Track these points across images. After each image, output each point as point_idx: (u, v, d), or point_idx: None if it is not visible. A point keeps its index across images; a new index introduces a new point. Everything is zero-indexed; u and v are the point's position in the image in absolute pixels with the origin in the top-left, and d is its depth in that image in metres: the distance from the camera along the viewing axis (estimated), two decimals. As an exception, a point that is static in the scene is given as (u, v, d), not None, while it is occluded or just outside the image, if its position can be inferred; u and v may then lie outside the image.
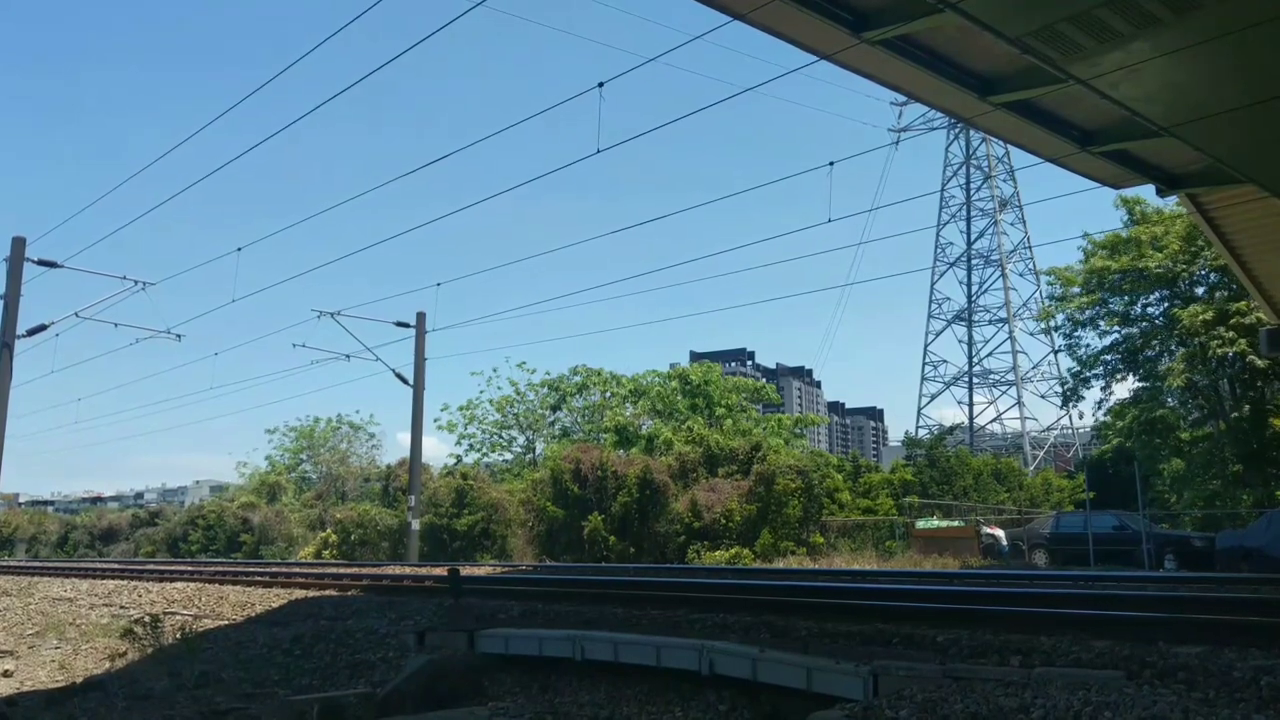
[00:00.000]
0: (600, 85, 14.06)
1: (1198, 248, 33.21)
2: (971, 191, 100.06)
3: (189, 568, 30.16)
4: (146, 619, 15.41)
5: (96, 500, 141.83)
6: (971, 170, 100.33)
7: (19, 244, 29.73)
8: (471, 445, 56.39)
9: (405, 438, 36.75)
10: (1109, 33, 9.97)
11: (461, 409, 56.21)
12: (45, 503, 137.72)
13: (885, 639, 8.97)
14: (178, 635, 14.67)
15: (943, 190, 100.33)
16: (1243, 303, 31.60)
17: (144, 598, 21.03)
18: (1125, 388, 39.46)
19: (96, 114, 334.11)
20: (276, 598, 18.24)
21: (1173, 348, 35.36)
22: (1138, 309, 37.35)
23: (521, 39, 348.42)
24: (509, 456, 57.58)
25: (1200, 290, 35.38)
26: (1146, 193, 33.96)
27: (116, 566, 33.63)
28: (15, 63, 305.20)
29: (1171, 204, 32.42)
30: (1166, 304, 36.23)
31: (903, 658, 7.89)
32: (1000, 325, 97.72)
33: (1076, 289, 38.48)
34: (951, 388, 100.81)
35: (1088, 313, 38.10)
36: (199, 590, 20.85)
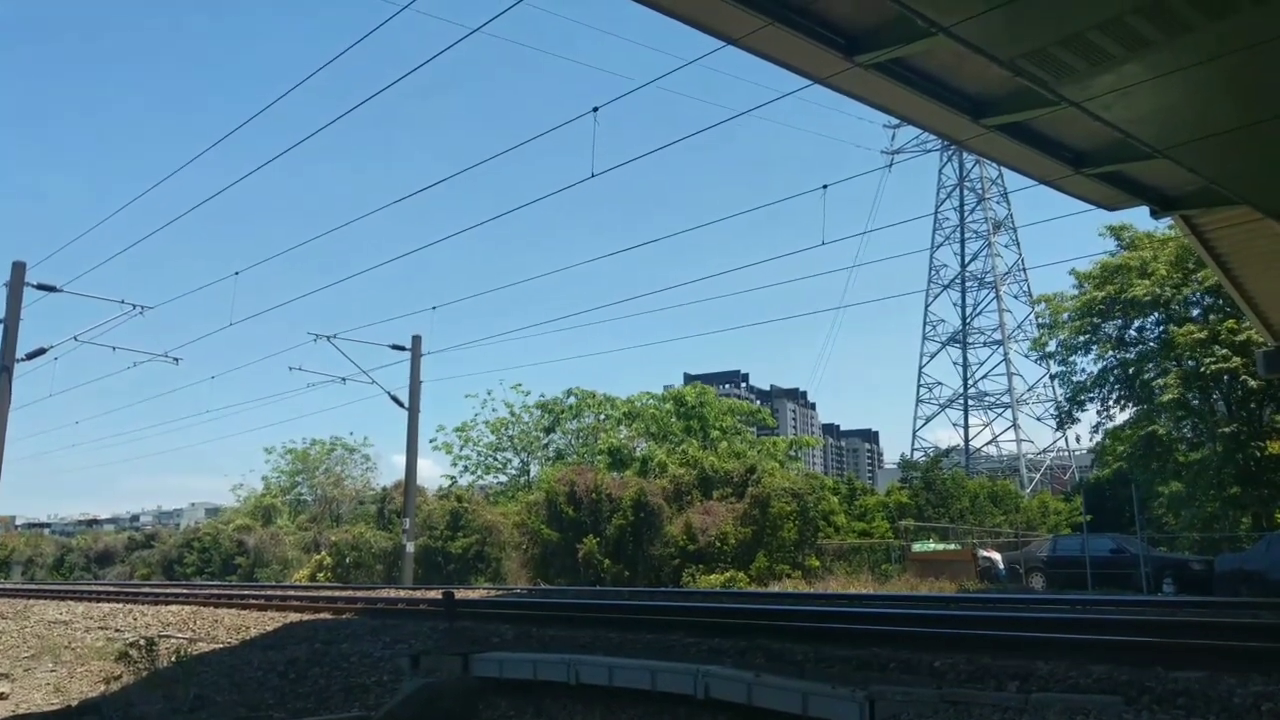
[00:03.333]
0: (595, 110, 14.11)
1: (1189, 269, 33.31)
2: (965, 214, 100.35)
3: (184, 590, 30.00)
4: (142, 642, 15.33)
5: (92, 523, 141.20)
6: (965, 192, 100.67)
7: (19, 268, 29.74)
8: (466, 467, 56.32)
9: (400, 460, 36.69)
10: (1101, 55, 10.03)
11: (457, 430, 56.17)
12: (42, 525, 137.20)
13: (881, 664, 8.92)
14: (173, 658, 14.59)
15: (936, 212, 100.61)
16: (1231, 321, 31.69)
17: (139, 621, 20.94)
18: (1121, 414, 39.48)
19: (96, 139, 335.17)
20: (271, 621, 18.16)
21: (1168, 369, 35.40)
22: (1132, 333, 37.42)
23: (517, 64, 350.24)
24: (504, 479, 57.47)
25: (1195, 312, 35.45)
26: (1135, 218, 34.28)
27: (112, 589, 33.44)
28: (15, 85, 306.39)
29: (1162, 228, 32.60)
30: (1161, 327, 36.31)
31: (899, 682, 7.85)
32: (995, 347, 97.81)
33: (1067, 316, 38.58)
34: (947, 410, 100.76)
35: (1080, 338, 38.17)
36: (194, 613, 20.75)
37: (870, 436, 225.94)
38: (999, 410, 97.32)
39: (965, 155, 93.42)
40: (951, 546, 33.76)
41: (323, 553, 46.70)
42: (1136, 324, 37.11)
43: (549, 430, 56.49)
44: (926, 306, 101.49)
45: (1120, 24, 9.44)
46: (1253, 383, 31.50)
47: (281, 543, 54.25)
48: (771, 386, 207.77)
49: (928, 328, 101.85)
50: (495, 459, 57.00)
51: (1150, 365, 36.66)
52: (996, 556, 32.85)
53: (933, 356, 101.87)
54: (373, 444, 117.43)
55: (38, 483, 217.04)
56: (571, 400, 56.12)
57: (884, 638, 10.30)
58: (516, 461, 57.38)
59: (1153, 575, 26.61)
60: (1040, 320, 45.43)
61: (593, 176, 15.23)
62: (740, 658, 9.93)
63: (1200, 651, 8.30)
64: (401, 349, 36.50)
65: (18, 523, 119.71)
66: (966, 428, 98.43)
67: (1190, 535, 36.17)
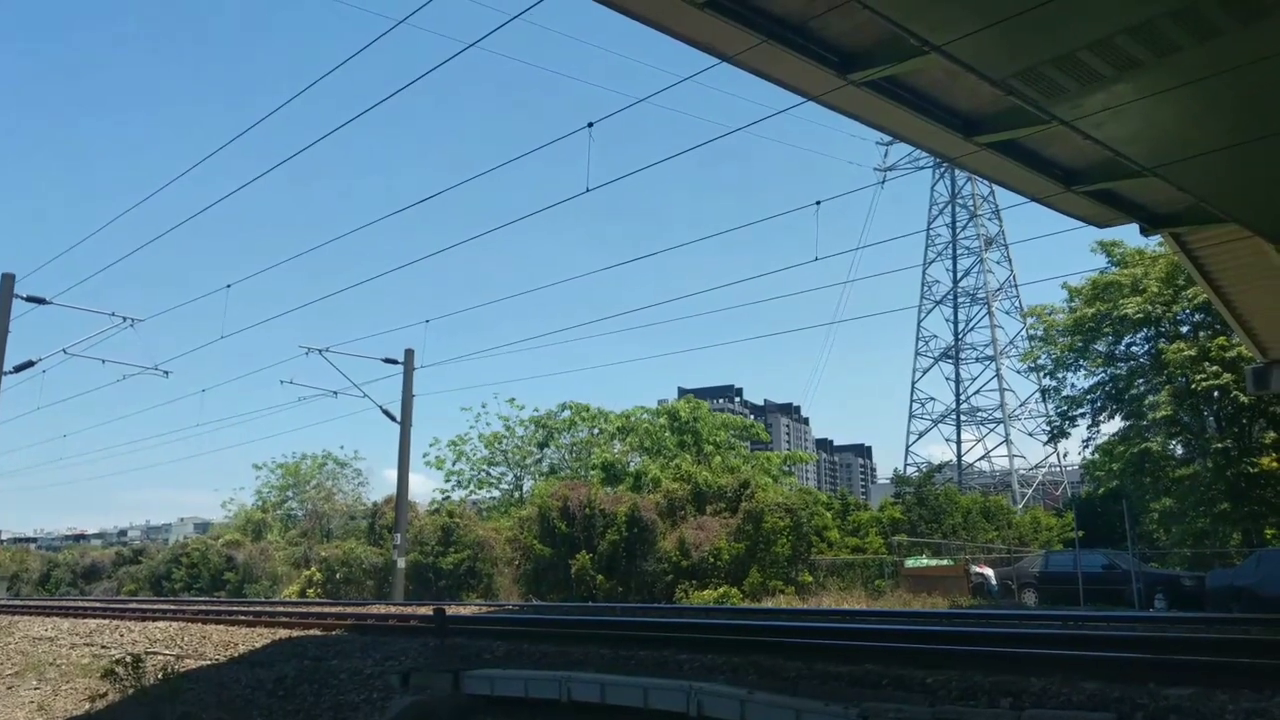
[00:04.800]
0: (590, 125, 14.12)
1: (1179, 287, 33.46)
2: (957, 230, 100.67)
3: (172, 606, 29.80)
4: (128, 659, 15.20)
5: (80, 537, 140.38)
6: (957, 209, 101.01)
7: (8, 280, 29.64)
8: (459, 482, 56.12)
9: (392, 474, 36.63)
10: (1091, 75, 10.10)
11: (450, 444, 56.02)
12: (28, 540, 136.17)
13: (875, 680, 8.89)
14: (159, 675, 14.48)
15: (929, 229, 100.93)
16: (1222, 338, 31.81)
17: (126, 637, 20.78)
18: (1111, 427, 39.58)
19: (87, 152, 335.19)
20: (260, 637, 18.04)
21: (1158, 385, 35.52)
22: (1122, 348, 37.56)
23: (513, 79, 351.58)
24: (496, 494, 57.30)
25: (1184, 329, 35.60)
26: (1125, 234, 34.49)
27: (99, 605, 33.22)
28: (6, 101, 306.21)
29: (1152, 245, 32.74)
30: (1150, 343, 36.45)
31: (892, 699, 7.83)
32: (987, 363, 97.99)
33: (1058, 331, 38.74)
34: (939, 425, 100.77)
35: (1071, 354, 38.31)
36: (182, 629, 20.61)
37: (863, 451, 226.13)
38: (991, 426, 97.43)
39: (957, 172, 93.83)
40: (944, 562, 33.72)
41: (313, 568, 46.47)
42: (1127, 340, 37.27)
43: (542, 445, 56.39)
44: (919, 322, 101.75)
45: (1110, 44, 9.51)
46: (1243, 399, 31.59)
47: (271, 558, 53.95)
48: (765, 401, 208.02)
49: (920, 343, 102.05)
50: (488, 474, 56.88)
51: (1140, 381, 36.80)
52: (989, 572, 32.84)
53: (925, 372, 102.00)
54: (364, 458, 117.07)
55: (24, 497, 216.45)
56: (566, 414, 56.01)
57: (877, 654, 10.28)
58: (510, 476, 57.29)
59: (1144, 591, 26.62)
60: (1032, 332, 45.52)
61: (588, 191, 15.25)
62: (734, 674, 9.90)
63: (1192, 668, 8.30)
64: (394, 363, 36.42)
65: (3, 537, 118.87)
66: (959, 443, 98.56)
67: (1181, 551, 36.21)
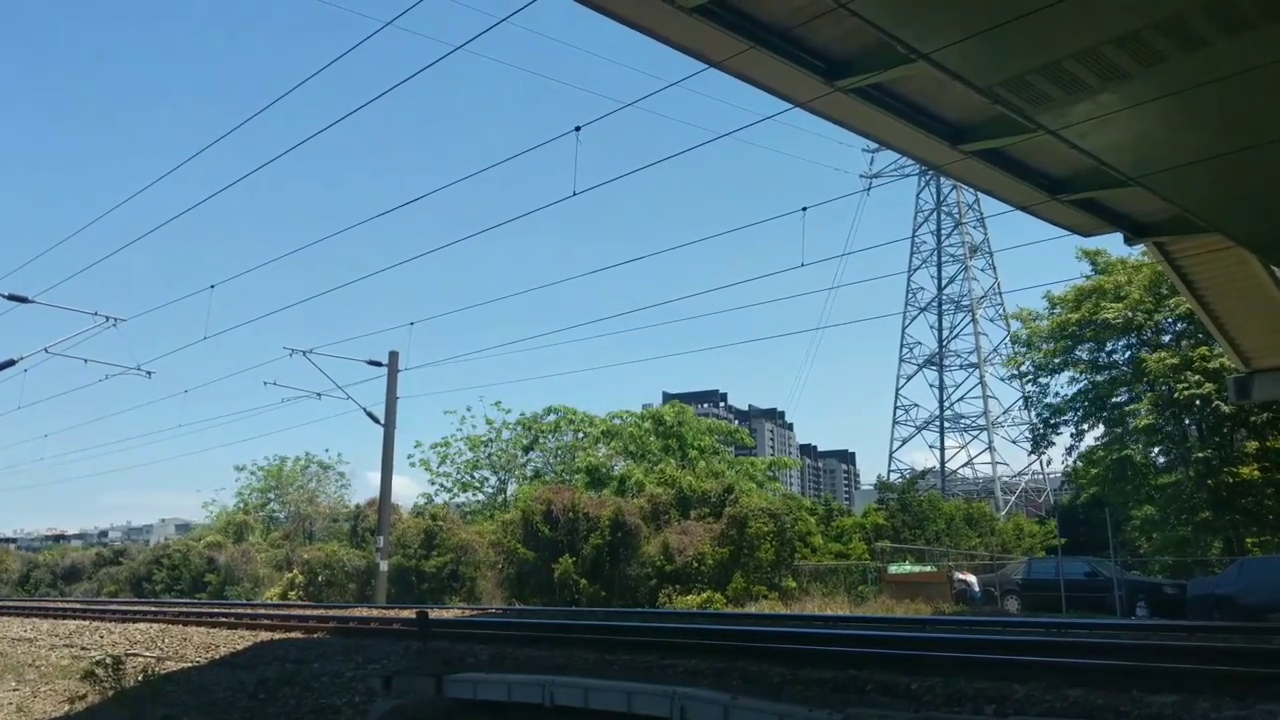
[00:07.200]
0: (577, 129, 14.11)
1: (1162, 295, 33.66)
2: (942, 237, 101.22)
3: (152, 608, 29.60)
4: (108, 660, 15.05)
5: (60, 538, 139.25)
6: (942, 217, 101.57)
7: (-12, 278, 29.42)
8: (444, 485, 55.88)
9: (375, 477, 36.48)
10: (1077, 84, 10.15)
11: (434, 447, 55.78)
12: (7, 540, 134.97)
13: (859, 686, 8.90)
14: (140, 678, 14.35)
15: (914, 236, 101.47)
16: (1204, 348, 32.03)
17: (106, 639, 20.63)
18: (1093, 435, 39.80)
19: (71, 151, 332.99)
20: (241, 640, 17.96)
21: (1140, 393, 35.73)
22: (1103, 355, 37.78)
23: (501, 82, 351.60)
24: (480, 497, 57.08)
25: (1166, 338, 35.84)
26: (1109, 243, 34.68)
27: (78, 606, 32.95)
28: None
29: (1136, 254, 32.96)
30: (1131, 351, 36.68)
31: (876, 705, 7.83)
32: (971, 370, 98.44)
33: (1041, 338, 38.96)
34: (923, 432, 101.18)
35: (1054, 360, 38.53)
36: (162, 631, 20.48)
37: (847, 457, 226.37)
38: (975, 433, 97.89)
39: (942, 180, 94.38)
40: (927, 568, 33.82)
41: (295, 571, 46.16)
42: (1108, 347, 37.50)
43: (527, 449, 56.24)
44: (904, 329, 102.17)
45: (1096, 54, 9.56)
46: (1225, 408, 31.79)
47: (253, 560, 53.57)
48: (750, 406, 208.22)
49: (905, 350, 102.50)
50: (472, 477, 56.67)
51: (1122, 389, 37.02)
52: (972, 579, 32.94)
53: (909, 379, 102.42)
54: (348, 461, 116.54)
55: (4, 497, 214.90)
56: (553, 416, 55.80)
57: (861, 660, 10.28)
58: (494, 480, 57.09)
59: (1126, 599, 26.77)
60: (1015, 337, 45.79)
61: (574, 195, 15.23)
62: (717, 680, 9.88)
63: (1175, 675, 8.32)
64: (378, 365, 36.26)
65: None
66: (942, 450, 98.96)
67: (1163, 559, 36.44)
